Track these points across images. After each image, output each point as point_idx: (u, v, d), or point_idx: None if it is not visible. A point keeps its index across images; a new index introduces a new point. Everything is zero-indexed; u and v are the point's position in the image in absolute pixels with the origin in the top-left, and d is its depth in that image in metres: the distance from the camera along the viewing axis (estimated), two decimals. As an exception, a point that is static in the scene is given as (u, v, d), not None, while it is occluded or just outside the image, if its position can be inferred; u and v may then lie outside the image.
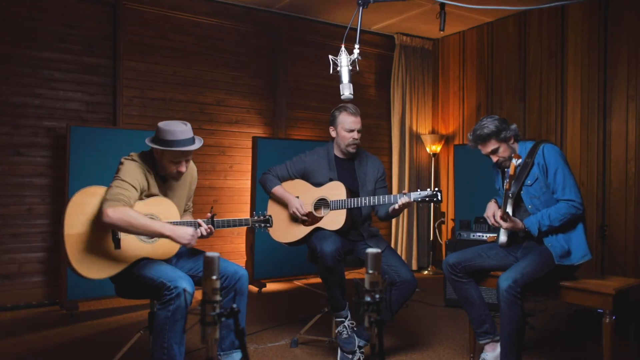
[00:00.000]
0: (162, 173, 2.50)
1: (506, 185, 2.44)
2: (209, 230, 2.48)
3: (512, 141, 2.64)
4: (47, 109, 4.11)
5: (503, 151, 2.63)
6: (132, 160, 2.41)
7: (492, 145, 2.61)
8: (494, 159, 2.65)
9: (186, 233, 2.33)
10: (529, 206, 2.60)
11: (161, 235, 2.31)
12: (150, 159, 2.47)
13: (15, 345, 3.12)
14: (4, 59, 3.95)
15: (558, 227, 2.49)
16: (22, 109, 4.01)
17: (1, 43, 3.94)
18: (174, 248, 2.46)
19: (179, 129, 2.37)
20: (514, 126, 2.63)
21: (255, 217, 2.70)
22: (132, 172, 2.35)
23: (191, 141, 2.40)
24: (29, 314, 3.83)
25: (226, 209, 4.89)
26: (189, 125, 2.43)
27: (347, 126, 2.98)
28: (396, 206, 2.76)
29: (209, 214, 2.52)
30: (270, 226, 2.71)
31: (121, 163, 2.39)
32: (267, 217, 2.72)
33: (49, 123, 4.11)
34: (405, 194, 2.75)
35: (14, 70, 3.99)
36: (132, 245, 2.36)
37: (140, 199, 2.40)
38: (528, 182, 2.59)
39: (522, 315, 2.41)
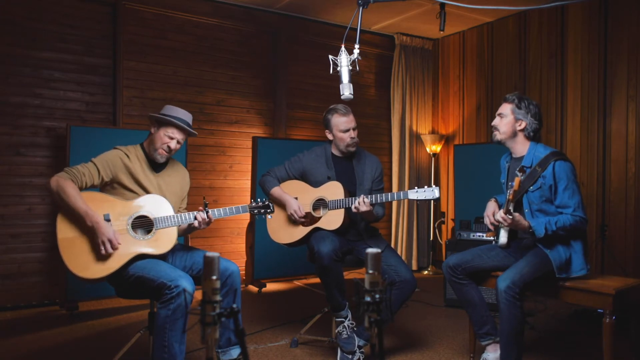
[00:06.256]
0: (152, 156, 2.54)
1: (509, 196, 2.41)
2: (207, 220, 2.50)
3: (521, 127, 2.61)
4: (47, 109, 4.11)
5: (505, 123, 2.64)
6: (117, 148, 2.52)
7: (504, 109, 2.66)
8: (494, 121, 2.69)
9: (107, 232, 2.28)
10: (526, 210, 2.60)
11: (85, 222, 2.28)
12: (142, 149, 2.56)
13: (15, 345, 3.12)
14: (4, 59, 3.95)
15: (562, 236, 2.47)
16: (22, 109, 4.01)
17: (1, 43, 3.94)
18: (169, 244, 2.45)
19: (182, 112, 2.56)
20: (533, 122, 2.60)
21: (254, 204, 2.66)
22: (106, 156, 2.47)
23: (188, 125, 2.55)
24: (29, 314, 3.83)
25: (226, 209, 4.90)
26: (190, 116, 2.60)
27: (342, 127, 2.99)
28: (355, 206, 2.77)
29: (201, 208, 2.51)
30: (272, 211, 2.68)
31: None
32: (266, 203, 2.67)
33: (49, 123, 4.11)
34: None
35: (14, 70, 3.99)
36: (127, 242, 2.37)
37: (112, 186, 2.47)
38: (531, 188, 2.58)
39: (521, 315, 2.40)
